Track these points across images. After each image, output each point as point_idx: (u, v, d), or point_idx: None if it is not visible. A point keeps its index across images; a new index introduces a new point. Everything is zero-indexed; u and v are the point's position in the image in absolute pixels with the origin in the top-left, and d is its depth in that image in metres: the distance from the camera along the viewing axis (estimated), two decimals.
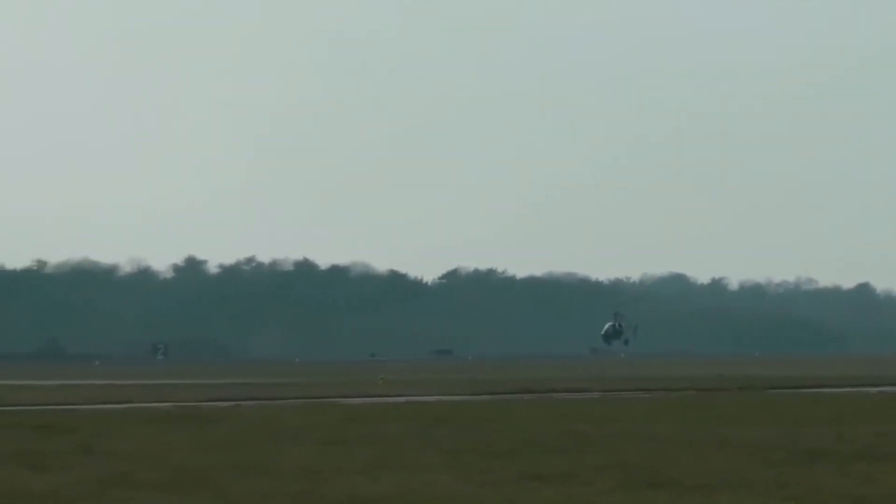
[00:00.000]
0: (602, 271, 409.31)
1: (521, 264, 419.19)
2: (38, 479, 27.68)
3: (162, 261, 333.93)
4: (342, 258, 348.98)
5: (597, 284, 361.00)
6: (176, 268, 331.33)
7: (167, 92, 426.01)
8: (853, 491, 25.04)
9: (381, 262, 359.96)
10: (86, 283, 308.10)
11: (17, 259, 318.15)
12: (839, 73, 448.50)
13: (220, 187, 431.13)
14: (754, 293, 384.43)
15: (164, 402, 60.71)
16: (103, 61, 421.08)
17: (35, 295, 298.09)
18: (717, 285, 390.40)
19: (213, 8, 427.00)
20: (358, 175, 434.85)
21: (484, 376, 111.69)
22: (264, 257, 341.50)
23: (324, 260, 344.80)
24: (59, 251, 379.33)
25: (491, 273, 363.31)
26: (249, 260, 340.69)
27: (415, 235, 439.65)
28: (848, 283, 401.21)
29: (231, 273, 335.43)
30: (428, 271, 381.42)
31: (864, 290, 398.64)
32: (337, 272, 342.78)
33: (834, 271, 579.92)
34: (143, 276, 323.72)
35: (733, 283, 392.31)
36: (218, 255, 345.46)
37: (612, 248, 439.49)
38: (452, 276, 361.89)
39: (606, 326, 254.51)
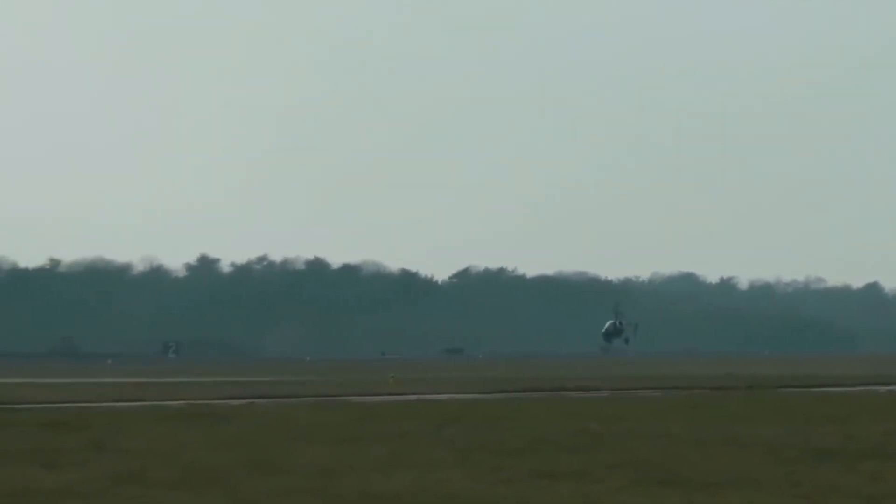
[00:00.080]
0: (612, 270, 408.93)
1: (532, 263, 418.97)
2: (51, 476, 27.76)
3: (175, 260, 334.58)
4: (354, 257, 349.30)
5: (607, 283, 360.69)
6: (189, 267, 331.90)
7: (182, 93, 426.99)
8: (863, 489, 25.08)
9: (393, 262, 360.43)
10: (99, 282, 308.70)
11: (31, 258, 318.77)
12: (846, 71, 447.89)
13: (232, 187, 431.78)
14: (764, 292, 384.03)
15: (176, 401, 60.86)
16: (112, 62, 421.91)
17: (49, 294, 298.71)
18: (726, 284, 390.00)
19: (225, 9, 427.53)
20: (370, 175, 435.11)
21: (495, 375, 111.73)
22: (276, 256, 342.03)
23: (335, 259, 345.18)
24: (72, 250, 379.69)
25: (501, 272, 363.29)
26: (262, 259, 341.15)
27: (426, 235, 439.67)
28: (857, 282, 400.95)
29: (243, 272, 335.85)
30: (439, 270, 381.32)
31: (872, 289, 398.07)
32: (349, 271, 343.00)
33: (843, 271, 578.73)
34: (156, 275, 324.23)
35: (743, 282, 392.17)
36: (230, 254, 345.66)
37: (622, 248, 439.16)
38: (463, 276, 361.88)
39: (607, 325, 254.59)
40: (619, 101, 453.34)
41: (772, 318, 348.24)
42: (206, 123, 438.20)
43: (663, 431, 38.50)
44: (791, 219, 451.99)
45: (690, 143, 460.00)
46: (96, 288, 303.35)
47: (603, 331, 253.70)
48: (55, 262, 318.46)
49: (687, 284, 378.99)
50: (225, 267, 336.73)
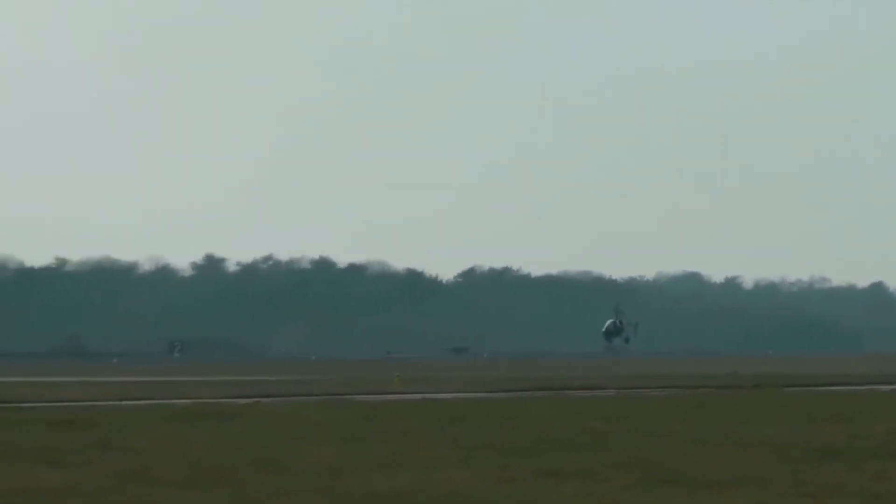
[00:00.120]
0: (616, 270, 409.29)
1: (537, 263, 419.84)
2: (57, 474, 27.84)
3: (181, 259, 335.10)
4: (359, 257, 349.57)
5: (611, 283, 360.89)
6: (195, 266, 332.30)
7: (188, 92, 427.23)
8: (867, 488, 25.14)
9: (398, 261, 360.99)
10: (105, 281, 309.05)
11: (37, 257, 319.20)
12: (848, 71, 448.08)
13: (238, 186, 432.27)
14: (768, 292, 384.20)
15: (182, 400, 60.95)
16: (116, 62, 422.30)
17: (55, 292, 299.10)
18: (731, 284, 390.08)
19: (228, 9, 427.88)
20: (375, 174, 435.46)
21: (499, 374, 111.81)
22: (282, 256, 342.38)
23: (341, 258, 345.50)
24: (79, 250, 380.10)
25: (507, 271, 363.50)
26: (268, 258, 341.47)
27: (431, 234, 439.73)
28: (862, 282, 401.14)
29: (249, 271, 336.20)
30: (444, 270, 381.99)
31: (877, 289, 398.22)
32: (354, 270, 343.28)
33: (848, 270, 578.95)
34: (163, 275, 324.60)
35: (748, 281, 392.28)
36: (237, 253, 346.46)
37: (627, 247, 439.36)
38: (469, 275, 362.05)
39: (607, 324, 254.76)
40: (624, 100, 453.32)
41: (776, 318, 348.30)
42: (212, 123, 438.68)
43: (668, 430, 38.55)
44: (796, 218, 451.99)
45: (695, 142, 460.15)
46: (102, 287, 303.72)
47: (603, 330, 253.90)
48: (61, 262, 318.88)
49: (691, 284, 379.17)
50: (231, 266, 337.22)
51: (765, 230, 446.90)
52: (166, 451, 32.77)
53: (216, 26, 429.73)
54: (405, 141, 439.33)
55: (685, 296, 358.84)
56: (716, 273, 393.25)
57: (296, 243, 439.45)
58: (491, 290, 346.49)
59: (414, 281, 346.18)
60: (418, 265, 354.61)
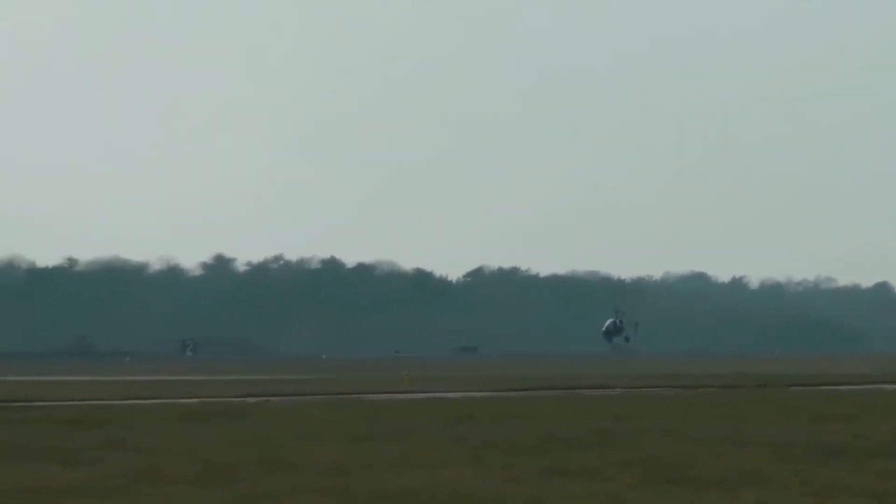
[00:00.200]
0: (624, 270, 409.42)
1: (545, 263, 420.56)
2: (67, 473, 27.99)
3: (191, 259, 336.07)
4: (368, 256, 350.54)
5: (619, 283, 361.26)
6: (204, 266, 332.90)
7: (197, 93, 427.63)
8: (872, 487, 25.27)
9: (407, 261, 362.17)
10: (116, 280, 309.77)
11: (48, 257, 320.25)
12: (857, 70, 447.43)
13: (248, 186, 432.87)
14: (774, 292, 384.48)
15: (192, 399, 61.18)
16: (126, 63, 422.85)
17: (66, 292, 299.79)
18: (737, 284, 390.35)
19: (237, 11, 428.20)
20: (384, 174, 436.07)
21: (507, 373, 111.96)
22: (292, 256, 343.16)
23: (350, 258, 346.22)
24: (89, 249, 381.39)
25: (515, 271, 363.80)
26: (277, 258, 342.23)
27: (440, 234, 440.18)
28: (867, 282, 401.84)
29: (259, 271, 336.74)
30: (453, 269, 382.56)
31: (882, 289, 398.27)
32: (363, 270, 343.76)
33: (853, 271, 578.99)
34: (173, 274, 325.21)
35: (754, 281, 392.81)
36: (246, 253, 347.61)
37: (635, 247, 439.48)
38: (477, 275, 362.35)
39: (607, 323, 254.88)
40: (632, 100, 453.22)
41: (782, 318, 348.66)
42: (221, 123, 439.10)
43: (674, 429, 38.70)
44: (801, 219, 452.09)
45: (702, 143, 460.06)
46: (112, 287, 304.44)
47: (603, 329, 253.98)
48: (72, 262, 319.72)
49: (698, 284, 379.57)
50: (241, 266, 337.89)
51: (771, 231, 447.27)
52: (176, 450, 32.93)
53: (223, 28, 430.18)
54: (414, 141, 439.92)
55: (691, 296, 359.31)
56: (722, 273, 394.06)
57: (305, 243, 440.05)
58: (499, 289, 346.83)
59: (422, 281, 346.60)
60: (426, 265, 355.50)
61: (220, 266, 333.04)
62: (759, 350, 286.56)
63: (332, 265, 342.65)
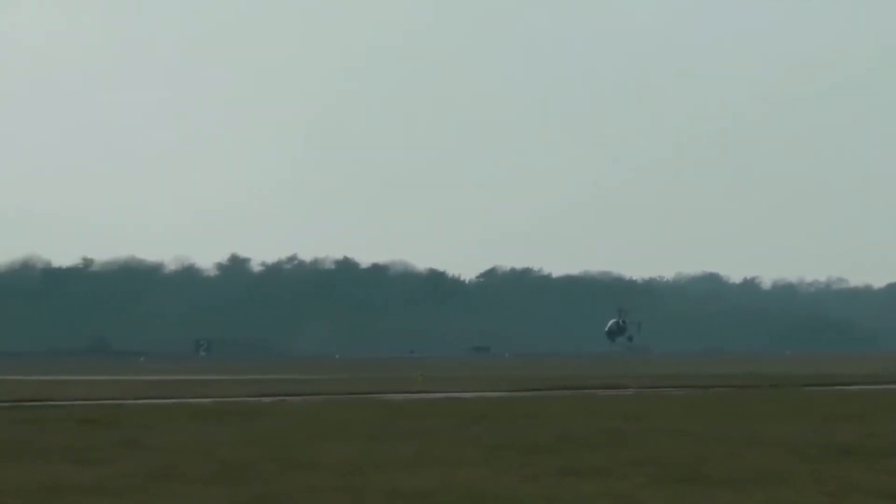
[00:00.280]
0: (636, 270, 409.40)
1: (557, 263, 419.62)
2: (84, 472, 28.10)
3: (206, 259, 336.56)
4: (382, 257, 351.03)
5: (631, 283, 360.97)
6: (220, 266, 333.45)
7: (212, 95, 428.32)
8: (884, 486, 25.33)
9: (421, 261, 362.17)
10: (132, 280, 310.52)
11: (65, 257, 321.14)
12: (869, 70, 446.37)
13: (263, 188, 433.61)
14: (786, 293, 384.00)
15: (207, 398, 61.34)
16: (146, 66, 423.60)
17: (82, 292, 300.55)
18: (750, 285, 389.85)
19: (253, 12, 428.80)
20: (398, 175, 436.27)
21: (521, 373, 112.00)
22: (306, 256, 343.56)
23: (364, 259, 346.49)
24: (105, 250, 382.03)
25: (528, 272, 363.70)
26: (292, 259, 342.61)
27: (453, 235, 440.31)
28: (878, 282, 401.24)
29: (274, 271, 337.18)
30: (466, 270, 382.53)
31: (894, 289, 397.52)
32: (377, 271, 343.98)
33: (865, 271, 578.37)
34: (188, 275, 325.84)
35: (766, 282, 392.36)
36: (261, 253, 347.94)
37: (647, 248, 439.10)
38: (490, 275, 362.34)
39: (610, 323, 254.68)
40: (644, 102, 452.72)
41: (794, 318, 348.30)
42: (237, 126, 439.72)
43: (686, 429, 38.74)
44: (813, 220, 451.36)
45: (714, 143, 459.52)
46: (128, 287, 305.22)
47: (606, 329, 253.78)
48: (88, 262, 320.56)
49: (710, 284, 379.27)
50: (255, 266, 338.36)
51: (783, 231, 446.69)
52: (192, 449, 33.03)
53: (239, 33, 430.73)
54: (428, 142, 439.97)
55: (704, 296, 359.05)
56: (734, 274, 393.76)
57: (319, 244, 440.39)
58: (512, 290, 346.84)
59: (436, 281, 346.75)
60: (440, 265, 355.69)
61: (234, 266, 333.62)
62: (771, 350, 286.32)
63: (345, 265, 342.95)
